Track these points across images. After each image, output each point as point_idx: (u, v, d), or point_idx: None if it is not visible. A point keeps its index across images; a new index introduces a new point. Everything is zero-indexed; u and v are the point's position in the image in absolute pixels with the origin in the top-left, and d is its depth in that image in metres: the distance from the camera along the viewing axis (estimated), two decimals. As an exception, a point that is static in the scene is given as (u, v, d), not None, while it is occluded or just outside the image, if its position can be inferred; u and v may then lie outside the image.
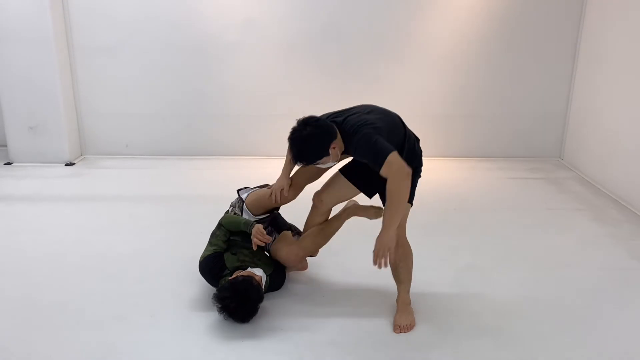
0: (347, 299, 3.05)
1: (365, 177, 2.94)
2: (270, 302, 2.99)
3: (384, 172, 2.54)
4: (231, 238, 3.05)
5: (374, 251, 2.60)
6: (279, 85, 5.51)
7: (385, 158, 2.53)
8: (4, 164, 5.37)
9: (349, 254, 3.54)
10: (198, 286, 3.14)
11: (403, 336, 2.73)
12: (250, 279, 2.79)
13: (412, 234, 3.83)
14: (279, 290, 3.10)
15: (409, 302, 2.87)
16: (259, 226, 2.95)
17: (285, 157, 3.08)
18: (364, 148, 2.63)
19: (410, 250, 2.88)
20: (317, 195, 3.13)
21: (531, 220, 4.19)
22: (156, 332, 2.74)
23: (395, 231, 2.60)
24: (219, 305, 2.71)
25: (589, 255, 3.62)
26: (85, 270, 3.34)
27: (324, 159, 2.69)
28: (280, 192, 3.06)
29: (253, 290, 2.74)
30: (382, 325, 2.82)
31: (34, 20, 5.00)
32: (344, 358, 2.57)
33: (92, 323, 2.80)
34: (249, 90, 5.55)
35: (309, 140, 2.62)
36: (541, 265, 3.47)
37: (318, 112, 5.69)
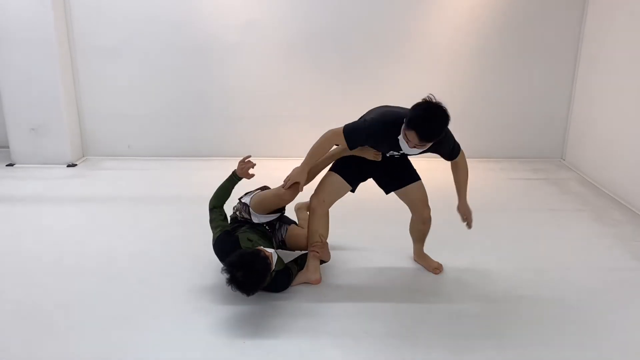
0: (349, 299, 3.05)
1: (355, 174, 3.22)
2: (272, 302, 2.99)
3: (459, 159, 3.40)
4: (245, 229, 3.14)
5: (467, 217, 3.32)
6: (280, 86, 5.52)
7: (460, 150, 3.36)
8: (6, 166, 5.38)
9: (351, 253, 3.54)
10: (201, 287, 3.15)
11: (404, 337, 2.73)
12: (258, 251, 2.81)
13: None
14: (280, 293, 3.10)
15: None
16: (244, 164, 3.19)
17: (311, 152, 3.20)
18: (448, 136, 3.16)
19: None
20: (316, 197, 3.18)
21: (533, 221, 4.19)
22: (159, 332, 2.74)
23: None
24: (227, 276, 2.71)
25: (590, 256, 3.62)
26: (88, 271, 3.35)
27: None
28: (292, 186, 3.13)
29: (260, 261, 2.74)
30: (385, 325, 2.82)
31: (36, 22, 5.01)
32: (346, 358, 2.57)
33: (94, 324, 2.81)
34: (250, 91, 5.56)
35: (445, 119, 2.85)
36: (542, 265, 3.47)
37: (320, 113, 5.71)
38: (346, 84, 5.52)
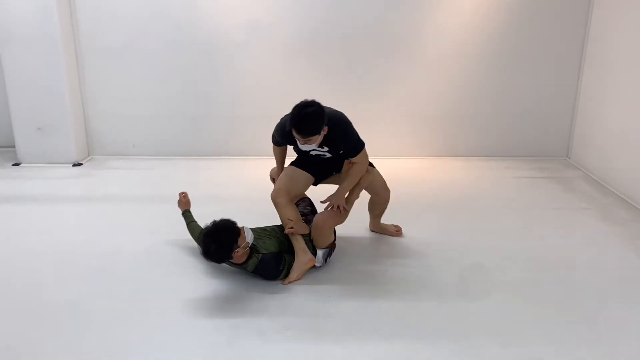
0: (352, 298, 3.05)
1: (317, 167, 3.45)
2: (278, 301, 3.00)
3: (356, 159, 3.31)
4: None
5: (331, 201, 3.32)
6: (285, 86, 5.51)
7: (362, 149, 3.31)
8: (12, 165, 5.41)
9: (354, 252, 3.54)
10: (206, 286, 3.16)
11: (408, 338, 2.73)
12: (230, 222, 3.01)
13: (417, 233, 3.86)
14: (283, 290, 3.11)
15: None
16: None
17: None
18: (349, 137, 3.27)
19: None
20: (278, 192, 3.32)
21: (538, 220, 4.18)
22: (163, 332, 2.75)
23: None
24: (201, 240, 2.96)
25: (596, 255, 3.61)
26: (93, 270, 3.36)
27: (316, 137, 3.07)
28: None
29: (228, 229, 2.96)
30: (390, 324, 2.82)
31: (41, 22, 5.03)
32: (351, 358, 2.57)
33: (99, 323, 2.82)
34: (255, 91, 5.56)
35: (316, 121, 3.03)
36: (548, 264, 3.46)
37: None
38: (351, 83, 5.51)
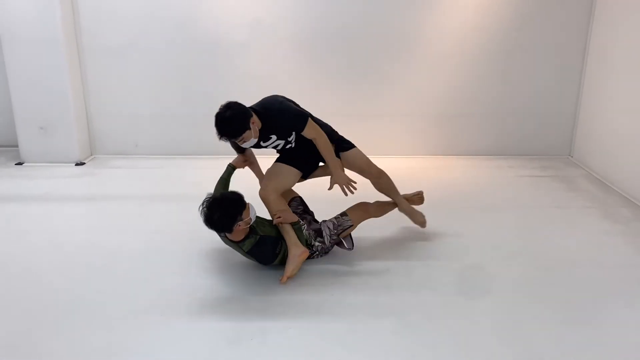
0: (354, 297, 3.05)
1: (299, 159, 3.44)
2: (277, 300, 3.01)
3: (308, 134, 3.26)
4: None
5: (336, 184, 3.42)
6: (286, 85, 5.49)
7: (306, 121, 3.24)
8: (15, 164, 5.42)
9: (355, 251, 3.54)
10: (208, 285, 3.17)
11: (410, 336, 2.73)
12: (237, 198, 3.03)
13: (419, 232, 3.86)
14: (285, 289, 3.12)
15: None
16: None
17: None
18: (285, 115, 3.23)
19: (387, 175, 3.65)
20: (266, 189, 3.33)
21: (540, 218, 4.17)
22: (166, 331, 2.76)
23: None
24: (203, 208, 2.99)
25: (598, 253, 3.61)
26: (96, 269, 3.37)
27: (247, 132, 3.09)
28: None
29: (232, 199, 2.99)
30: (390, 323, 2.82)
31: (44, 22, 5.04)
32: (352, 357, 2.57)
33: (102, 322, 2.83)
34: (256, 90, 5.52)
35: (234, 118, 3.06)
36: (550, 263, 3.46)
37: (327, 111, 5.70)
38: (352, 82, 5.51)
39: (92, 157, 5.69)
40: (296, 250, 3.20)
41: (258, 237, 3.14)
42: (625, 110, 4.72)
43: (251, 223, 3.08)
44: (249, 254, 3.17)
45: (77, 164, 5.44)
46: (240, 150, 3.51)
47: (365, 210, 3.56)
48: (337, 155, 3.49)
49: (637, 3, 4.57)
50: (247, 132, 3.10)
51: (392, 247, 3.68)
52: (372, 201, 3.68)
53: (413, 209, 3.78)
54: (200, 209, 3.02)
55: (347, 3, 5.28)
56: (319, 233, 3.38)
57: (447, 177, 5.12)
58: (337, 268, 3.38)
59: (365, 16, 5.33)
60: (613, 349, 2.64)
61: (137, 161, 5.57)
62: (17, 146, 5.52)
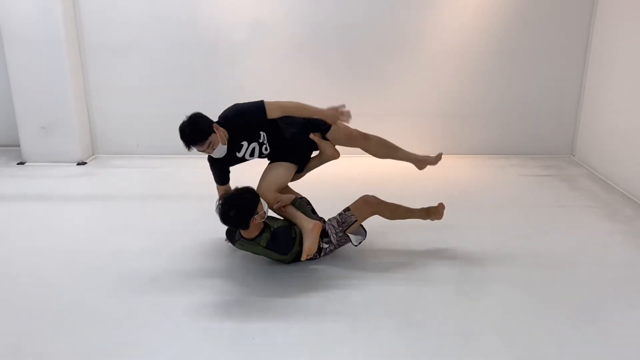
0: (355, 296, 3.05)
1: (287, 152, 3.43)
2: (278, 300, 3.01)
3: (273, 115, 3.20)
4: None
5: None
6: (288, 84, 5.51)
7: (264, 105, 3.20)
8: (17, 164, 5.43)
9: (356, 250, 3.54)
10: (210, 284, 3.17)
11: (412, 335, 2.72)
12: (251, 192, 3.09)
13: (423, 232, 3.85)
14: (286, 289, 3.11)
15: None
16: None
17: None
18: (243, 112, 3.28)
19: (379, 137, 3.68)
20: (265, 190, 3.31)
21: (543, 218, 4.17)
22: (168, 330, 2.76)
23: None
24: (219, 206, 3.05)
25: (600, 253, 3.60)
26: (98, 268, 3.37)
27: (213, 136, 3.16)
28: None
29: (247, 195, 3.04)
30: (391, 322, 2.82)
31: (45, 22, 5.04)
32: (353, 356, 2.57)
33: (104, 321, 2.83)
34: (257, 90, 5.53)
35: (195, 123, 3.23)
36: (552, 262, 3.45)
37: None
38: (354, 81, 5.50)
39: (94, 156, 5.69)
40: (308, 225, 3.21)
41: (272, 229, 3.18)
42: (628, 109, 4.71)
43: (265, 216, 3.13)
44: (268, 248, 3.18)
45: (78, 164, 5.44)
46: (221, 169, 3.42)
47: (367, 202, 3.47)
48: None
49: (638, 2, 4.56)
50: (213, 135, 3.14)
51: (394, 246, 3.67)
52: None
53: (424, 156, 3.75)
54: (216, 207, 3.06)
55: (348, 3, 5.28)
56: (324, 234, 3.37)
57: (450, 177, 5.11)
58: (339, 267, 3.37)
59: (366, 16, 5.32)
60: (615, 349, 2.63)
61: (139, 161, 5.57)
62: (18, 146, 5.53)
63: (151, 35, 5.36)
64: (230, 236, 3.36)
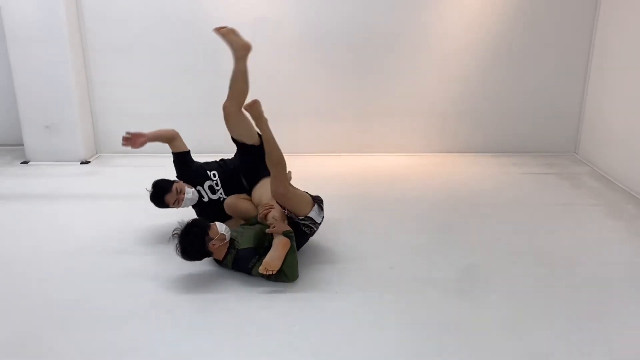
0: (359, 294, 3.06)
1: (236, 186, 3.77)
2: (281, 298, 3.01)
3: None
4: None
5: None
6: (291, 83, 5.52)
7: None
8: (21, 163, 5.44)
9: (358, 249, 3.54)
10: (214, 283, 3.17)
11: (417, 333, 2.73)
12: (200, 221, 3.22)
13: (425, 230, 3.86)
14: (289, 287, 3.12)
15: None
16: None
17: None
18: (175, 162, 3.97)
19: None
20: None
21: (545, 216, 4.16)
22: (171, 328, 2.77)
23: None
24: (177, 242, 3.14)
25: (604, 251, 3.60)
26: (102, 267, 3.38)
27: (175, 184, 3.63)
28: None
29: (197, 227, 3.13)
30: (396, 320, 2.82)
31: (48, 21, 5.05)
32: (357, 354, 2.58)
33: (108, 320, 2.84)
34: (260, 88, 5.53)
35: (157, 185, 3.71)
36: (556, 260, 3.45)
37: (331, 110, 5.71)
38: (357, 81, 5.50)
39: (97, 155, 5.70)
40: (276, 239, 3.13)
41: (235, 251, 3.20)
42: (631, 106, 4.70)
43: (226, 239, 3.18)
44: (234, 269, 3.23)
45: (82, 163, 5.46)
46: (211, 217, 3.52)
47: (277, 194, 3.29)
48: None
49: (642, -1, 4.56)
50: (175, 184, 3.62)
51: (396, 244, 3.67)
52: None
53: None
54: (175, 249, 3.14)
55: (351, 2, 5.28)
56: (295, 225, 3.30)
57: (451, 175, 5.11)
58: (342, 265, 3.38)
59: (370, 13, 5.32)
60: (618, 346, 2.63)
61: (142, 160, 5.57)
62: (22, 145, 5.54)
63: (154, 34, 5.37)
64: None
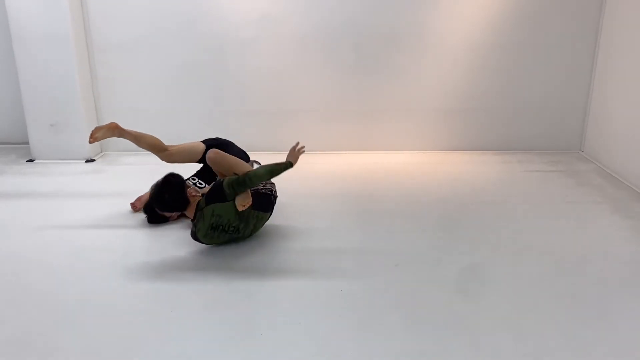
0: (364, 293, 3.06)
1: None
2: (287, 295, 3.02)
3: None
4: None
5: None
6: (295, 81, 5.52)
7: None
8: (26, 161, 5.46)
9: (361, 247, 3.54)
10: (218, 281, 3.18)
11: (422, 332, 2.72)
12: (175, 174, 3.51)
13: (429, 228, 3.85)
14: (295, 284, 3.12)
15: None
16: None
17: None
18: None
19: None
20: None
21: (550, 214, 4.15)
22: (176, 326, 2.77)
23: None
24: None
25: (610, 249, 3.58)
26: (107, 265, 3.39)
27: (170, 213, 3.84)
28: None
29: (173, 177, 3.45)
30: (401, 318, 2.82)
31: (53, 19, 5.06)
32: (361, 352, 2.58)
33: (113, 317, 2.85)
34: (265, 86, 5.57)
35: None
36: (561, 259, 3.44)
37: (335, 107, 5.71)
38: (361, 78, 5.50)
39: (102, 153, 5.72)
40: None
41: (203, 198, 3.40)
42: (637, 104, 4.68)
43: (199, 193, 3.49)
44: (207, 202, 3.37)
45: (87, 161, 5.47)
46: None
47: (214, 160, 3.73)
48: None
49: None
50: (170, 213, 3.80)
51: (400, 243, 3.67)
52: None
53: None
54: (151, 199, 3.39)
55: (356, -1, 5.28)
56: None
57: (456, 172, 5.10)
58: (345, 263, 3.38)
59: (374, 11, 5.31)
60: (624, 344, 2.63)
61: (147, 158, 5.54)
62: (27, 143, 5.57)
63: (159, 31, 5.37)
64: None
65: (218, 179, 3.62)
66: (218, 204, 3.37)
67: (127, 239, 3.74)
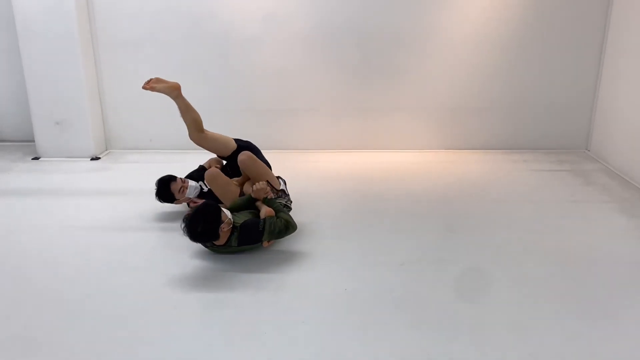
0: (368, 291, 3.05)
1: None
2: (290, 295, 3.01)
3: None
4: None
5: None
6: (300, 79, 5.51)
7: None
8: (32, 159, 5.48)
9: (365, 246, 3.53)
10: (221, 280, 3.18)
11: (426, 331, 2.71)
12: (213, 204, 3.29)
13: (435, 227, 3.84)
14: (298, 283, 3.12)
15: None
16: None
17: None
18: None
19: None
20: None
21: (556, 213, 4.13)
22: (181, 324, 2.77)
23: None
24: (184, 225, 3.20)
25: (616, 249, 3.56)
26: (111, 262, 3.40)
27: (183, 190, 3.94)
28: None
29: (206, 206, 3.22)
30: (405, 318, 2.81)
31: (59, 18, 5.08)
32: (366, 352, 2.57)
33: (116, 316, 2.85)
34: (270, 84, 5.56)
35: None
36: (567, 258, 3.42)
37: (340, 105, 5.69)
38: (366, 76, 5.49)
39: (107, 151, 5.73)
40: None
41: (238, 227, 3.30)
42: (644, 103, 4.65)
43: (232, 223, 3.29)
44: (240, 244, 3.31)
45: (92, 159, 5.49)
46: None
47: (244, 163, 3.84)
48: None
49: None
50: (183, 190, 3.93)
51: (405, 242, 3.66)
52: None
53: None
54: (182, 226, 3.20)
55: (361, -4, 5.26)
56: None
57: (462, 172, 5.08)
58: (350, 262, 3.37)
59: (378, 10, 5.29)
60: (630, 345, 2.61)
61: (152, 156, 5.60)
62: (33, 141, 5.59)
63: (165, 30, 5.38)
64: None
65: (248, 219, 3.41)
66: (249, 246, 3.39)
67: (131, 238, 3.74)
